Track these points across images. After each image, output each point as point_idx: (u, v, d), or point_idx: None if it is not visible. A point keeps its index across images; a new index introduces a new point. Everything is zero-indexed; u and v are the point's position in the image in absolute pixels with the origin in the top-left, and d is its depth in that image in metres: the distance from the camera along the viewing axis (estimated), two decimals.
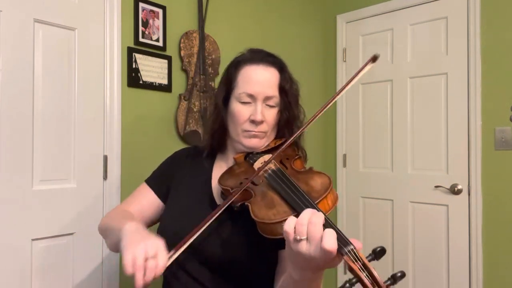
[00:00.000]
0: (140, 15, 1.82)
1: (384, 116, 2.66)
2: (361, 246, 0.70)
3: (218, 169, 1.13)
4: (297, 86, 1.12)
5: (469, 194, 2.31)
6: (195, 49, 2.01)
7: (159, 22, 1.89)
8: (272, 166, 0.97)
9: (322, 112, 0.94)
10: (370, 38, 2.74)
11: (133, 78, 1.79)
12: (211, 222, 0.88)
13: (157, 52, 1.88)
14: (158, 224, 1.17)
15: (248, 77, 1.04)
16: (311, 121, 0.95)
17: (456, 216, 2.35)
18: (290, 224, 0.72)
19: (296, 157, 1.05)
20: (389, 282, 0.66)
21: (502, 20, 2.23)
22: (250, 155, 1.07)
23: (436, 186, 2.41)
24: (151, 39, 1.86)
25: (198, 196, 1.09)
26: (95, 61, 1.68)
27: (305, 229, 0.70)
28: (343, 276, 2.82)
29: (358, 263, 0.66)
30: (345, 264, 0.68)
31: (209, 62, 2.06)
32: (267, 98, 1.04)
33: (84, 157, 1.64)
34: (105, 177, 1.70)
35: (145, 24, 1.84)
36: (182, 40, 1.97)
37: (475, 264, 2.28)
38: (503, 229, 2.21)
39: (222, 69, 1.65)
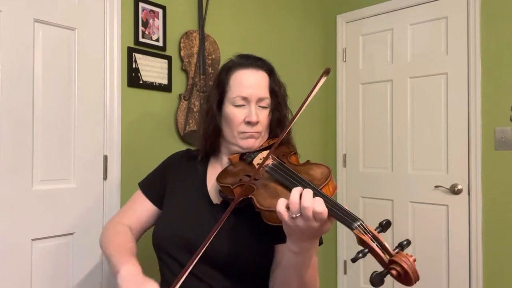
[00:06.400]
0: (140, 15, 1.82)
1: (384, 116, 2.66)
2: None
3: (213, 170, 1.16)
4: (285, 88, 1.19)
5: (469, 194, 2.31)
6: (195, 49, 2.01)
7: (159, 22, 1.89)
8: (271, 160, 1.02)
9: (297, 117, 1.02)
10: (370, 38, 2.74)
11: (133, 78, 1.79)
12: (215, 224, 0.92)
13: (157, 52, 1.88)
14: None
15: (240, 81, 1.10)
16: (293, 119, 1.03)
17: (456, 216, 2.35)
18: (281, 205, 0.80)
19: (292, 153, 1.10)
20: (397, 250, 0.73)
21: (502, 20, 2.23)
22: (246, 155, 1.10)
23: (436, 186, 2.41)
24: (151, 39, 1.86)
25: (194, 198, 1.12)
26: (95, 61, 1.68)
27: (298, 206, 0.77)
28: (343, 276, 2.82)
29: (368, 235, 0.74)
30: (357, 238, 0.74)
31: (209, 62, 2.06)
32: (259, 100, 1.10)
33: (84, 157, 1.63)
34: (105, 177, 1.70)
35: (145, 24, 1.84)
36: (182, 40, 1.97)
37: (475, 264, 2.28)
38: (503, 229, 2.21)
39: None
